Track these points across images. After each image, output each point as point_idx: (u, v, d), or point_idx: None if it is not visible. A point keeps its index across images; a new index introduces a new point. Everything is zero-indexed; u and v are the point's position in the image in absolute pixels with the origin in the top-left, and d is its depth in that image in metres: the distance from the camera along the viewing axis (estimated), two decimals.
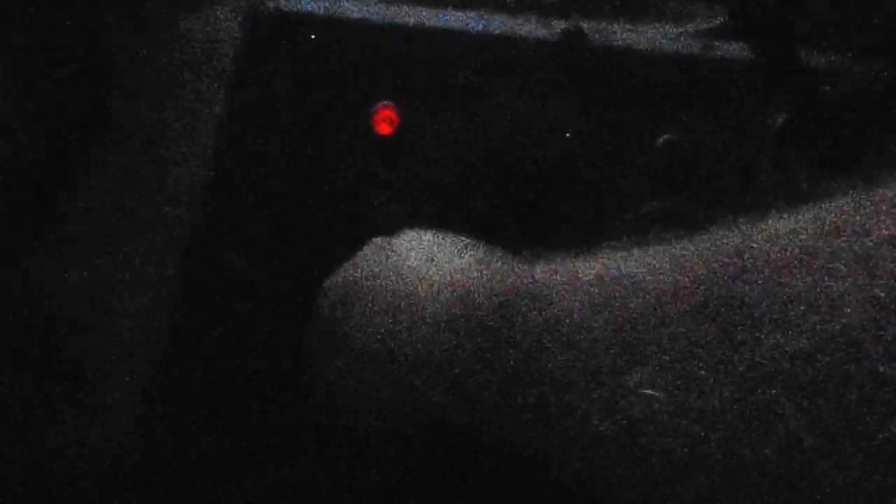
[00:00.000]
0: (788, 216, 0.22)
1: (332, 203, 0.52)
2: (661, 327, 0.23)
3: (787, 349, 0.19)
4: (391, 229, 0.52)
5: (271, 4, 0.54)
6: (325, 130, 0.52)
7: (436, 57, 0.53)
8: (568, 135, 0.52)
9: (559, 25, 0.53)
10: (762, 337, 0.20)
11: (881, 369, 0.17)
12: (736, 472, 0.20)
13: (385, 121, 0.52)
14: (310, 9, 0.53)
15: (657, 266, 0.24)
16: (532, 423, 0.27)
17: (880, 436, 0.17)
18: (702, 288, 0.22)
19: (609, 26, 0.54)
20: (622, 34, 0.54)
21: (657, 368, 0.22)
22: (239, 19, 0.52)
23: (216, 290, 0.49)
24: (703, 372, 0.21)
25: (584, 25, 0.53)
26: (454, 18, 0.54)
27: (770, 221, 0.22)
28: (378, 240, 0.42)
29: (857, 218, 0.20)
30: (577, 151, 0.52)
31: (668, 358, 0.22)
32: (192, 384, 0.47)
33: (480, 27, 0.53)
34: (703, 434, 0.21)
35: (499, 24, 0.53)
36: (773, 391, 0.19)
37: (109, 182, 0.46)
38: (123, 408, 0.42)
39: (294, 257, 0.51)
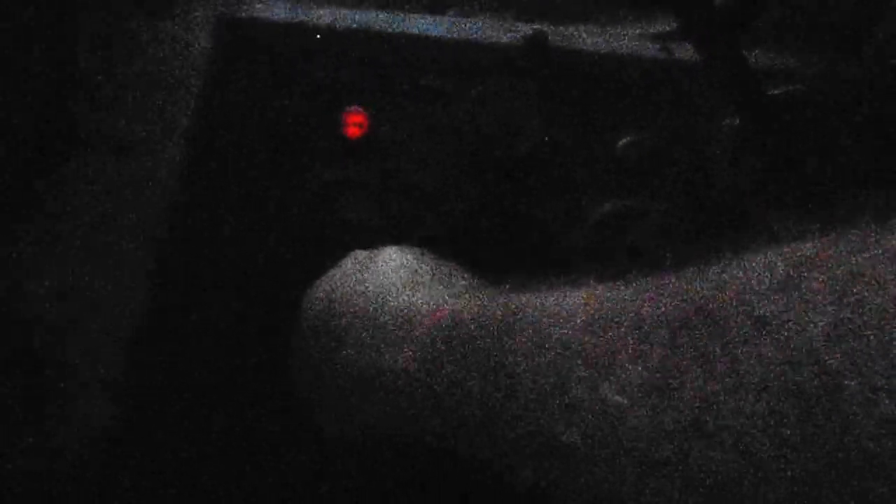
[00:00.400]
0: (765, 252, 0.23)
1: (303, 207, 0.53)
2: (638, 344, 0.24)
3: (757, 363, 0.20)
4: (364, 233, 0.53)
5: (242, 11, 0.54)
6: (295, 135, 0.53)
7: (404, 61, 0.54)
8: (547, 139, 0.53)
9: (523, 29, 0.55)
10: (734, 351, 0.21)
11: (845, 383, 0.18)
12: (701, 483, 0.21)
13: (355, 125, 0.53)
14: (280, 15, 0.54)
15: (641, 294, 0.26)
16: (512, 442, 0.28)
17: (841, 446, 0.18)
18: (680, 309, 0.23)
19: (572, 30, 0.56)
20: (584, 37, 0.55)
21: (630, 378, 0.23)
22: (210, 26, 0.53)
23: (189, 296, 0.50)
24: (673, 381, 0.22)
25: (548, 29, 0.55)
26: (421, 23, 0.55)
27: (747, 256, 0.24)
28: (359, 253, 0.42)
29: (831, 253, 0.21)
30: (542, 153, 0.54)
31: (641, 369, 0.23)
32: (164, 388, 0.48)
33: (447, 32, 0.54)
34: (672, 443, 0.22)
35: (465, 28, 0.55)
36: (740, 402, 0.20)
37: (81, 191, 0.47)
38: (94, 410, 0.43)
39: (267, 262, 0.52)
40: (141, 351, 0.46)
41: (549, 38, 0.54)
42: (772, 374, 0.20)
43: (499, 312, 0.30)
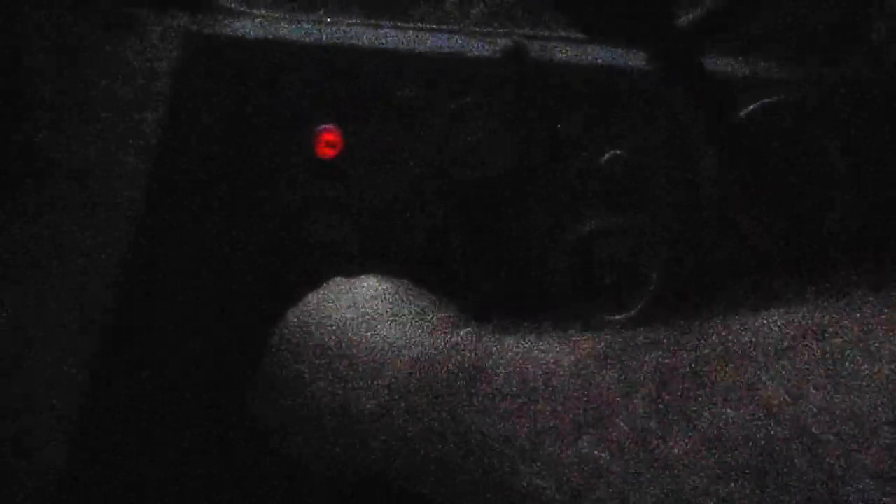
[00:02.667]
0: (759, 314, 0.23)
1: (276, 229, 0.51)
2: (622, 397, 0.23)
3: (742, 428, 0.20)
4: (338, 255, 0.52)
5: (209, 27, 0.52)
6: (265, 156, 0.51)
7: (379, 76, 0.52)
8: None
9: (501, 41, 0.53)
10: (720, 412, 0.20)
11: (831, 462, 0.18)
12: None
13: (328, 144, 0.51)
14: (248, 31, 0.52)
15: (629, 345, 0.25)
16: (484, 489, 0.27)
17: None
18: (667, 363, 0.23)
19: (553, 40, 0.54)
20: (566, 48, 0.53)
21: (611, 433, 0.23)
22: (174, 43, 0.51)
23: (154, 326, 0.48)
24: (656, 439, 0.22)
25: (527, 40, 0.53)
26: (394, 37, 0.53)
27: (743, 317, 0.23)
28: (339, 281, 0.41)
29: (828, 321, 0.21)
30: (521, 169, 0.52)
31: (623, 424, 0.23)
32: (125, 423, 0.46)
33: (421, 45, 0.53)
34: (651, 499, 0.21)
35: (440, 41, 0.53)
36: (723, 466, 0.20)
37: (38, 220, 0.45)
38: (48, 447, 0.41)
39: (238, 287, 0.50)
40: (100, 385, 0.44)
41: (529, 49, 0.52)
42: (759, 443, 0.19)
43: (476, 356, 0.30)
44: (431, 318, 0.36)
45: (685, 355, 0.23)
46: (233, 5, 0.55)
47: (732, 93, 0.48)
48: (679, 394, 0.22)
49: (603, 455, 0.22)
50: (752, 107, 0.52)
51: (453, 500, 0.29)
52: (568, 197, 0.52)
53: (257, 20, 0.53)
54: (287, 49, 0.52)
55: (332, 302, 0.39)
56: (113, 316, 0.45)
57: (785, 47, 0.56)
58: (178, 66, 0.51)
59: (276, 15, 0.55)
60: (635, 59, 0.54)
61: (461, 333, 0.32)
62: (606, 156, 0.52)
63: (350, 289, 0.40)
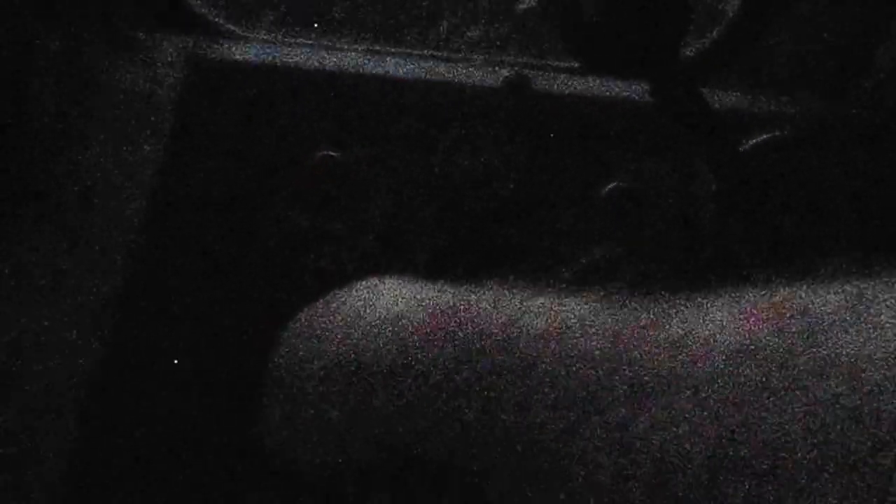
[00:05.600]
0: (702, 335, 0.23)
1: (274, 256, 0.51)
2: (602, 394, 0.24)
3: (696, 437, 0.20)
4: (337, 283, 0.51)
5: (212, 51, 0.52)
6: (264, 182, 0.51)
7: (379, 104, 0.52)
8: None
9: (503, 72, 0.53)
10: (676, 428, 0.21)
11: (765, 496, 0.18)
12: None
13: (327, 170, 0.51)
14: (248, 56, 0.52)
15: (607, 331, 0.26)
16: (503, 454, 0.26)
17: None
18: (641, 362, 0.24)
19: (554, 72, 0.54)
20: (567, 80, 0.53)
21: (598, 435, 0.23)
22: (175, 67, 0.51)
23: (149, 348, 0.48)
24: (638, 443, 0.22)
25: (528, 71, 0.53)
26: (396, 64, 0.53)
27: (716, 306, 0.24)
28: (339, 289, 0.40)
29: (756, 342, 0.21)
30: (522, 200, 0.52)
31: (603, 432, 0.23)
32: (122, 452, 0.45)
33: (423, 74, 0.52)
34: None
35: (441, 70, 0.53)
36: (683, 477, 0.20)
37: (38, 245, 0.44)
38: (44, 479, 0.41)
39: (237, 313, 0.50)
40: (97, 412, 0.44)
41: (531, 80, 0.52)
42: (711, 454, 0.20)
43: (508, 308, 0.29)
44: (432, 296, 0.34)
45: (653, 356, 0.23)
46: (234, 29, 0.56)
47: (735, 127, 0.48)
48: (648, 397, 0.22)
49: (591, 455, 0.23)
50: (754, 141, 0.52)
51: (468, 463, 0.28)
52: (568, 228, 0.52)
53: (258, 45, 0.53)
54: (287, 74, 0.52)
55: (340, 296, 0.38)
56: (111, 340, 0.45)
57: (788, 82, 0.56)
58: (179, 90, 0.51)
59: (278, 40, 0.56)
60: (638, 91, 0.54)
61: (489, 291, 0.32)
62: (607, 187, 0.52)
63: (358, 288, 0.38)
